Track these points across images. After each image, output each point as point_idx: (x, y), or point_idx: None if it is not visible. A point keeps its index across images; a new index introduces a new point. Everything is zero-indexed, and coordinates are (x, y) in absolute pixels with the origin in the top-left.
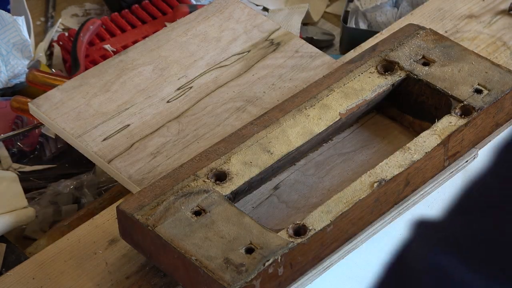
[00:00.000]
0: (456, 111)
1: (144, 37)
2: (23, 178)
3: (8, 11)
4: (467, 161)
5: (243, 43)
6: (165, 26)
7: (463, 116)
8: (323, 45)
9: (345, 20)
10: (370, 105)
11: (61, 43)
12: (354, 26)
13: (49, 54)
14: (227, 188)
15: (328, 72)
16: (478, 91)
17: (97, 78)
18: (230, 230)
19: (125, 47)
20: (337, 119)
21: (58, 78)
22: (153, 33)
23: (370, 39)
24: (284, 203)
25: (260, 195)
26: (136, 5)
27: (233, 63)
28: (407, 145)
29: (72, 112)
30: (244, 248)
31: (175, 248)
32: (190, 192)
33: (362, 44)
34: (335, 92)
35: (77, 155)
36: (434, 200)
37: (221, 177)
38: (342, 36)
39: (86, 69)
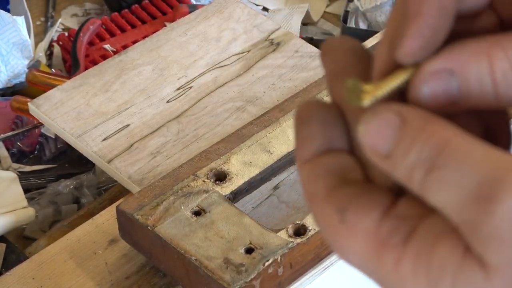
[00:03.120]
0: None
1: (144, 37)
2: (23, 178)
3: (8, 11)
4: None
5: (243, 43)
6: (165, 26)
7: None
8: None
9: (345, 20)
10: None
11: (61, 43)
12: (354, 26)
13: (49, 54)
14: (227, 188)
15: None
16: None
17: (97, 78)
18: (230, 230)
19: (125, 47)
20: None
21: (58, 78)
22: (153, 33)
23: (370, 39)
24: (284, 203)
25: (260, 195)
26: (136, 5)
27: (233, 63)
28: None
29: (72, 112)
30: (243, 248)
31: (175, 248)
32: (190, 192)
33: None
34: None
35: (77, 155)
36: None
37: (221, 177)
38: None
39: (86, 69)
